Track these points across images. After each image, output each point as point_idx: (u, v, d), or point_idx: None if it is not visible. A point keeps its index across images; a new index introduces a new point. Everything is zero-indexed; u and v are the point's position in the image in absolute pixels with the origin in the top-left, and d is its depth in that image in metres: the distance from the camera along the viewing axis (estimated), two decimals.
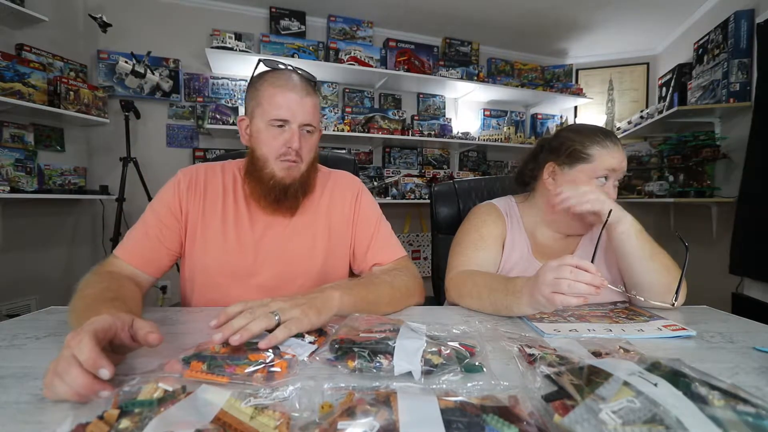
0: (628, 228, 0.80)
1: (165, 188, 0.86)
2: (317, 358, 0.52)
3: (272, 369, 0.47)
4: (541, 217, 0.97)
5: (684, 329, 0.65)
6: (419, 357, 0.48)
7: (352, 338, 0.53)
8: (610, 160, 0.85)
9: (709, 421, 0.32)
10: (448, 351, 0.50)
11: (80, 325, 0.46)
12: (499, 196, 1.08)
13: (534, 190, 1.00)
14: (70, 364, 0.40)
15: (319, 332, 0.59)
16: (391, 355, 0.49)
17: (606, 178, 0.87)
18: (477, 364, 0.49)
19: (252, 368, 0.46)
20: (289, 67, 0.86)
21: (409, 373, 0.47)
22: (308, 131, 0.84)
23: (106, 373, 0.41)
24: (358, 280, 0.80)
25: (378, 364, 0.48)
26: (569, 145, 0.89)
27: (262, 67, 0.88)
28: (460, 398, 0.38)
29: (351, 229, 0.94)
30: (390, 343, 0.51)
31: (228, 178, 0.90)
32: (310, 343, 0.55)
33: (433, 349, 0.51)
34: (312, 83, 0.86)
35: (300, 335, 0.56)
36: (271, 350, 0.50)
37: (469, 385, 0.44)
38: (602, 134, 0.88)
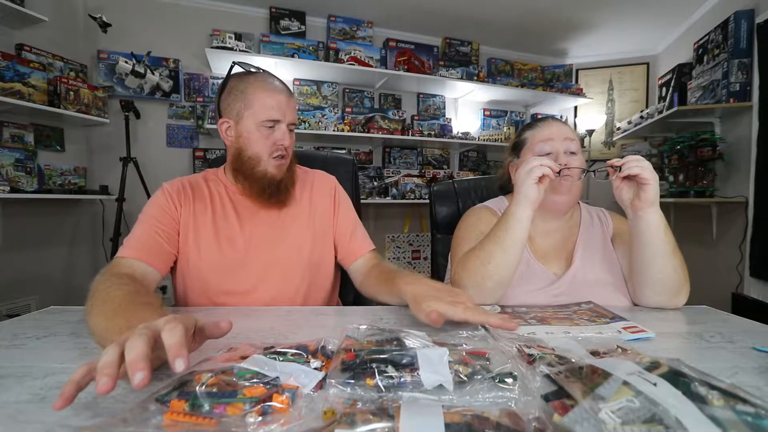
0: (658, 219, 0.76)
1: (154, 197, 0.89)
2: (328, 389, 0.42)
3: (271, 405, 0.37)
4: None
5: (644, 331, 0.62)
6: (447, 366, 0.44)
7: (363, 355, 0.46)
8: (539, 134, 0.92)
9: (708, 421, 0.32)
10: (470, 359, 0.46)
11: (110, 329, 0.44)
12: (499, 195, 1.08)
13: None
14: (144, 336, 0.39)
15: (327, 355, 0.50)
16: (414, 367, 0.44)
17: (552, 153, 0.89)
18: (511, 373, 0.44)
19: (247, 406, 0.36)
20: (261, 70, 0.91)
21: (440, 386, 0.42)
22: (291, 129, 0.90)
23: (182, 363, 0.38)
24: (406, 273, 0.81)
25: (403, 380, 0.42)
26: (514, 141, 1.01)
27: (236, 69, 0.92)
28: (470, 413, 0.35)
29: (333, 221, 1.00)
30: (408, 353, 0.46)
31: (211, 184, 0.94)
32: (316, 369, 0.45)
33: (455, 357, 0.46)
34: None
35: (304, 360, 0.48)
36: (268, 381, 0.41)
37: (479, 396, 0.41)
38: (537, 120, 0.97)
